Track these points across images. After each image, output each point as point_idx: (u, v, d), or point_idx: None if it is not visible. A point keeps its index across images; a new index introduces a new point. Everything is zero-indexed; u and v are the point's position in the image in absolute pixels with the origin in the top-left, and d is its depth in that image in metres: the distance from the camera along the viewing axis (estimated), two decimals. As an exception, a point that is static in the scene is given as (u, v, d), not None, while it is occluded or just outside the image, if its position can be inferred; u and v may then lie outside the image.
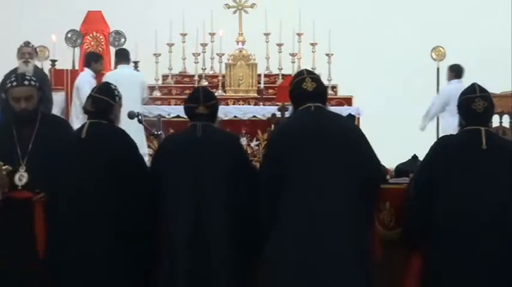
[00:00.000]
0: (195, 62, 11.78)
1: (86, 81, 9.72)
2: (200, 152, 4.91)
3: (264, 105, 11.00)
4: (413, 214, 4.84)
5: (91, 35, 12.07)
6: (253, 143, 10.65)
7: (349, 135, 4.76)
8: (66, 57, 11.87)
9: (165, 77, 11.87)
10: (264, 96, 11.22)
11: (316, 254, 4.53)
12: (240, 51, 11.66)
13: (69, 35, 12.08)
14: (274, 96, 11.30)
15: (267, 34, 11.85)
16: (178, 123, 9.41)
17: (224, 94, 11.35)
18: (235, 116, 10.76)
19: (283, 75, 11.80)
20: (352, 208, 4.61)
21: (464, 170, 4.72)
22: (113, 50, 11.68)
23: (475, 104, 4.82)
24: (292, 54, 11.81)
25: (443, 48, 12.28)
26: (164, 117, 9.77)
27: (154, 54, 11.58)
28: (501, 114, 9.98)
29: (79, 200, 4.90)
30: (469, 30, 13.32)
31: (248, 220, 4.81)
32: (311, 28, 11.55)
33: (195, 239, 4.80)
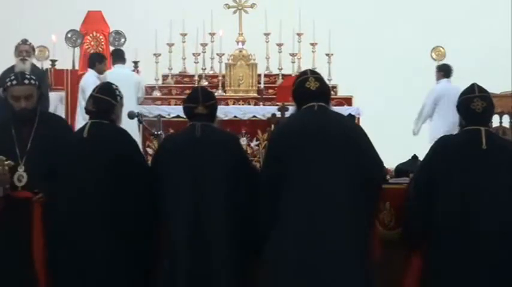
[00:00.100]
0: (195, 62, 11.77)
1: (91, 82, 9.72)
2: (199, 152, 4.91)
3: (264, 105, 11.00)
4: (413, 214, 4.84)
5: (91, 35, 12.07)
6: (253, 143, 10.65)
7: (349, 135, 4.76)
8: (66, 57, 11.87)
9: (165, 77, 11.87)
10: (264, 96, 11.21)
11: (316, 254, 4.53)
12: (240, 51, 11.66)
13: (69, 35, 12.08)
14: (274, 96, 11.29)
15: (267, 34, 11.85)
16: (178, 123, 9.40)
17: (224, 94, 11.35)
18: (235, 116, 10.76)
19: (283, 75, 11.80)
20: (352, 208, 4.61)
21: (464, 170, 4.72)
22: (113, 51, 11.70)
23: (473, 104, 4.82)
24: (292, 54, 11.81)
25: (443, 48, 12.28)
26: (164, 117, 9.78)
27: (154, 54, 11.58)
28: (501, 114, 9.98)
29: (79, 200, 4.89)
30: (469, 30, 13.33)
31: (248, 220, 4.81)
32: (311, 28, 11.54)
33: (194, 239, 4.80)
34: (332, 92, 11.20)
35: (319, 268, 4.52)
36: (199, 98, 5.06)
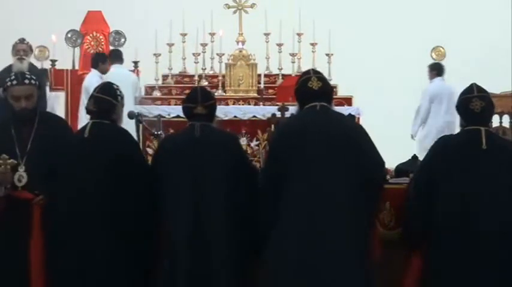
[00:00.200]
0: (195, 62, 11.77)
1: (94, 82, 9.74)
2: (199, 152, 4.91)
3: (264, 105, 10.99)
4: (413, 214, 4.84)
5: (91, 35, 12.08)
6: (253, 143, 10.64)
7: (350, 135, 4.76)
8: (66, 57, 11.89)
9: (165, 77, 11.86)
10: (264, 96, 11.20)
11: (316, 254, 4.53)
12: (240, 51, 11.65)
13: (69, 35, 12.09)
14: (274, 96, 11.29)
15: (267, 34, 11.84)
16: (178, 123, 9.39)
17: (224, 94, 11.34)
18: (235, 116, 10.74)
19: (283, 75, 11.79)
20: (352, 208, 4.61)
21: (464, 170, 4.72)
22: (113, 51, 11.71)
23: (472, 104, 4.82)
24: (292, 54, 11.81)
25: (443, 48, 12.28)
26: (164, 117, 9.78)
27: (154, 54, 11.57)
28: (501, 114, 9.97)
29: (79, 200, 4.89)
30: (469, 30, 13.32)
31: (248, 220, 4.82)
32: (311, 28, 11.54)
33: (194, 239, 4.80)
34: (332, 92, 11.24)
35: (319, 268, 4.53)
36: (198, 98, 5.06)
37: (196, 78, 11.71)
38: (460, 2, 13.45)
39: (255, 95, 11.34)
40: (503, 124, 10.11)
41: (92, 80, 9.98)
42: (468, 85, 4.96)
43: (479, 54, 12.96)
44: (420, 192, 4.81)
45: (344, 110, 10.40)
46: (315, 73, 4.98)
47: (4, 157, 4.92)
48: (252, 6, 12.06)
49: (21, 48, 9.45)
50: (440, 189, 4.72)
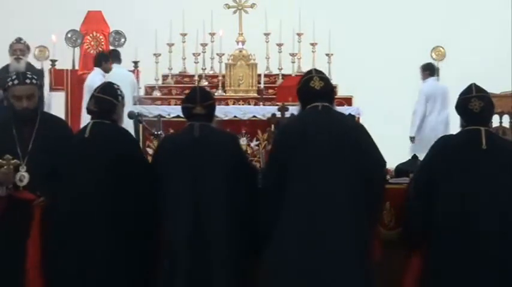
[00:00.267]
0: (195, 62, 11.77)
1: (97, 81, 9.75)
2: (198, 152, 4.91)
3: (264, 105, 10.99)
4: (413, 214, 4.85)
5: (91, 35, 12.09)
6: (253, 143, 10.64)
7: (351, 135, 4.76)
8: (66, 57, 11.89)
9: (165, 77, 11.86)
10: (264, 96, 11.21)
11: (316, 254, 4.53)
12: (240, 51, 11.65)
13: (69, 35, 12.10)
14: (274, 96, 11.29)
15: (267, 34, 11.85)
16: (178, 123, 9.37)
17: (224, 94, 11.34)
18: (235, 116, 10.74)
19: (283, 75, 11.80)
20: (353, 208, 4.61)
21: (464, 170, 4.72)
22: (113, 51, 11.71)
23: (471, 104, 4.82)
24: (292, 54, 11.81)
25: (443, 48, 12.28)
26: (164, 117, 9.79)
27: (154, 54, 11.58)
28: (501, 114, 9.96)
29: (80, 199, 4.89)
30: (469, 30, 13.32)
31: (248, 219, 4.82)
32: (311, 28, 11.54)
33: (194, 239, 4.80)
34: (332, 92, 11.24)
35: (319, 268, 4.53)
36: (197, 98, 5.06)
37: (196, 78, 11.71)
38: (460, 2, 13.45)
39: (255, 95, 11.34)
40: (503, 124, 10.10)
41: (95, 78, 10.00)
42: (468, 85, 4.96)
43: (479, 54, 12.95)
44: (420, 192, 4.81)
45: (344, 110, 10.39)
46: (317, 73, 4.99)
47: (8, 157, 4.92)
48: (252, 6, 12.07)
49: (18, 48, 9.45)
50: (440, 189, 4.72)
